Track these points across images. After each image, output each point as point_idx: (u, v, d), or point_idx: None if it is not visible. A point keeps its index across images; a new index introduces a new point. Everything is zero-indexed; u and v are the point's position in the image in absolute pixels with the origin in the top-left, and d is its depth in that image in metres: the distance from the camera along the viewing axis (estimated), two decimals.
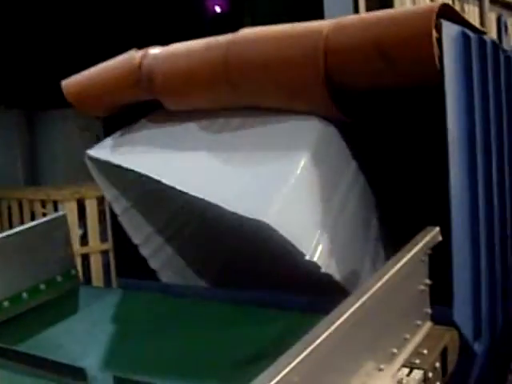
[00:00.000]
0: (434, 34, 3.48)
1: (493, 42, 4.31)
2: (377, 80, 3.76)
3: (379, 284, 2.66)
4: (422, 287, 3.24)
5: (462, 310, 3.67)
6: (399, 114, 4.29)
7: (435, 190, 3.69)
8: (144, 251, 4.74)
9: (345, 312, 2.39)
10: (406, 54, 3.54)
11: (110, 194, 4.63)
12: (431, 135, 3.79)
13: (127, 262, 4.92)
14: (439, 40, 3.51)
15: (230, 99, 4.19)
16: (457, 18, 3.80)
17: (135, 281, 4.77)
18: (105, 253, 9.34)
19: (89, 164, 4.48)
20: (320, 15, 6.75)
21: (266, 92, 4.05)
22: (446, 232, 3.47)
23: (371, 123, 4.28)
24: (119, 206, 4.67)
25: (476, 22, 9.07)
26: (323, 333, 2.22)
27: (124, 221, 4.68)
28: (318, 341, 2.17)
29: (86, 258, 9.34)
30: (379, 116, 4.31)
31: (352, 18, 3.91)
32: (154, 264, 4.77)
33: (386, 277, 2.72)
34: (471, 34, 3.91)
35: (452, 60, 3.63)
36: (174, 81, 4.32)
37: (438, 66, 3.51)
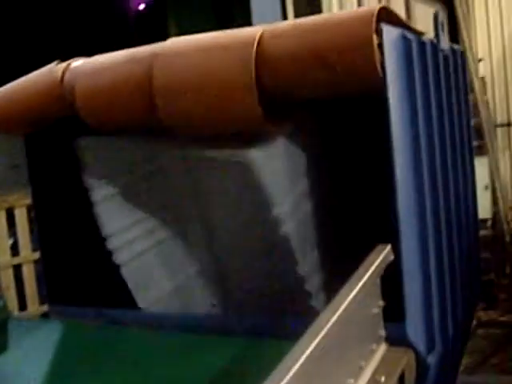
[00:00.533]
0: (375, 39, 3.30)
1: (431, 43, 4.18)
2: (315, 90, 3.54)
3: (334, 317, 2.49)
4: (376, 310, 3.07)
5: (414, 326, 3.54)
6: (340, 124, 4.09)
7: (382, 203, 3.52)
8: (112, 243, 4.39)
9: (302, 350, 2.22)
10: (347, 62, 3.34)
11: (93, 180, 4.35)
12: (376, 144, 3.63)
13: (60, 286, 4.63)
14: (380, 45, 3.33)
15: (154, 119, 3.83)
16: (396, 21, 3.63)
17: (69, 308, 4.49)
18: (37, 262, 9.02)
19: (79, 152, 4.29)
20: (247, 16, 6.49)
21: (195, 109, 3.73)
22: (396, 248, 3.31)
23: (311, 136, 4.06)
24: (100, 192, 4.35)
25: (402, 13, 9.04)
26: (279, 374, 2.04)
27: (101, 209, 4.33)
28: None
29: (17, 268, 9.02)
30: (319, 128, 4.10)
31: (286, 23, 3.69)
32: (119, 258, 4.42)
33: (341, 308, 2.56)
34: (411, 36, 3.75)
35: (394, 65, 3.46)
36: (95, 98, 4.01)
37: (380, 72, 3.33)
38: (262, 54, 3.49)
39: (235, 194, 3.97)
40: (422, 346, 3.58)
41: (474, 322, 7.38)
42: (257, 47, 3.50)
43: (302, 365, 2.12)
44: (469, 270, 4.80)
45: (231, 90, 3.56)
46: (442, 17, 8.58)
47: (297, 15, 5.98)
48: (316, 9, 5.84)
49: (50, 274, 4.77)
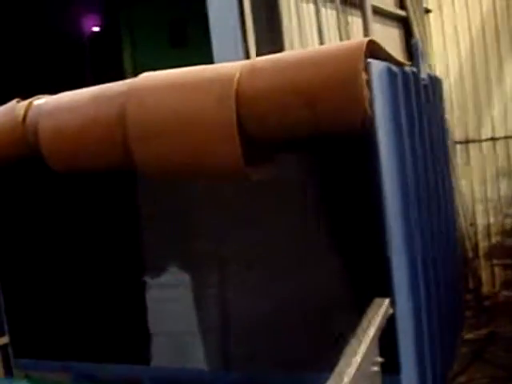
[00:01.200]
0: (364, 75, 3.11)
1: (413, 73, 4.01)
2: (297, 130, 3.30)
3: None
4: (375, 368, 2.85)
5: (409, 379, 3.35)
6: (323, 164, 3.84)
7: (372, 255, 3.32)
8: None
9: None
10: (332, 100, 3.13)
11: None
12: (362, 183, 3.44)
13: (25, 339, 4.33)
14: (368, 82, 3.13)
15: (127, 163, 3.56)
16: (381, 53, 3.44)
17: (35, 361, 4.20)
18: None
19: None
20: (202, 40, 6.28)
21: (171, 154, 3.46)
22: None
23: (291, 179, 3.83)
24: None
25: (360, 34, 8.92)
26: None
27: None
28: None
29: None
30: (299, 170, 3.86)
31: (267, 58, 3.43)
32: None
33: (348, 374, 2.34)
34: (395, 68, 3.58)
35: (382, 101, 3.26)
36: (60, 140, 3.71)
37: (368, 110, 3.12)
38: (243, 93, 3.26)
39: None
40: None
41: None
42: (237, 86, 3.27)
43: None
44: (455, 311, 4.64)
45: (209, 132, 3.31)
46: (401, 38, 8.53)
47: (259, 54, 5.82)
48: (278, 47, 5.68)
49: (14, 326, 4.46)
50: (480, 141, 11.81)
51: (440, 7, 11.58)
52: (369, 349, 2.58)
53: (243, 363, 3.78)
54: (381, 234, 3.19)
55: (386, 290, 3.07)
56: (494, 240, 10.63)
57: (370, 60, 3.14)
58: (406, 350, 3.26)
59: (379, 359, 2.89)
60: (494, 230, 10.77)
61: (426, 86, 4.38)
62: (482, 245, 10.94)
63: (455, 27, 11.85)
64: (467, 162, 12.06)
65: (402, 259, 3.30)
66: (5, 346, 7.85)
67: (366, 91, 3.09)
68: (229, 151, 3.27)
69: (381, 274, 3.14)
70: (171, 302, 4.06)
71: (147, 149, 3.45)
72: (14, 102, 3.98)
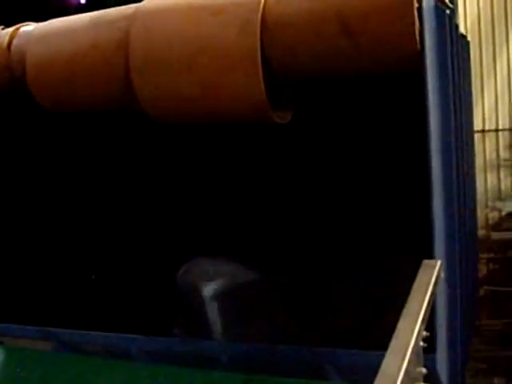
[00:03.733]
0: (415, 3, 2.63)
1: (454, 21, 3.56)
2: (333, 63, 2.81)
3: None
4: (422, 343, 2.40)
5: (442, 358, 2.92)
6: (348, 107, 3.37)
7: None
8: None
9: None
10: (378, 29, 2.65)
11: None
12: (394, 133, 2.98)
13: (2, 302, 3.84)
14: (419, 11, 2.66)
15: (128, 99, 3.05)
16: None
17: (9, 326, 3.71)
18: None
19: None
20: None
21: (182, 87, 2.93)
22: None
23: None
24: None
25: None
26: None
27: None
28: None
29: None
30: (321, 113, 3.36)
31: None
32: None
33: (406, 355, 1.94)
34: (443, 8, 3.12)
35: (431, 38, 2.80)
36: (51, 69, 3.17)
37: (418, 43, 2.65)
38: (269, 17, 2.78)
39: None
40: (446, 380, 2.99)
41: None
42: (263, 9, 2.78)
43: None
44: (474, 285, 4.23)
45: (227, 62, 2.81)
46: None
47: None
48: None
49: None
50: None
51: None
52: (424, 321, 2.14)
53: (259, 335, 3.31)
54: (422, 192, 2.74)
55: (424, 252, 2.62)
56: (479, 234, 10.31)
57: None
58: (441, 325, 2.83)
59: (425, 333, 2.45)
60: (479, 223, 10.45)
61: (461, 41, 3.92)
62: None
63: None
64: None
65: (441, 219, 2.86)
66: None
67: (416, 21, 2.62)
68: (249, 86, 2.78)
69: (420, 237, 2.70)
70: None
71: (150, 81, 2.95)
72: None
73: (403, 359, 1.84)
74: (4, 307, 3.79)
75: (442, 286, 2.89)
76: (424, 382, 2.68)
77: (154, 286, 3.59)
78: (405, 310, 2.08)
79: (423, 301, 2.13)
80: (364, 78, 3.00)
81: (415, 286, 2.23)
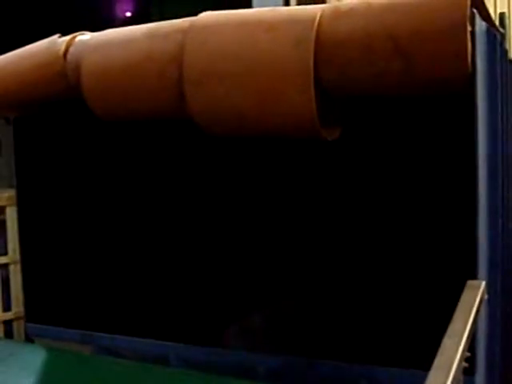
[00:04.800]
0: (468, 26, 2.66)
1: (503, 44, 3.57)
2: (385, 83, 2.84)
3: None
4: (464, 364, 2.40)
5: (482, 381, 2.90)
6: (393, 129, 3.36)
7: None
8: None
9: None
10: (431, 50, 2.68)
11: None
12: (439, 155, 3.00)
13: (40, 303, 3.91)
14: (472, 35, 2.69)
15: (181, 111, 3.10)
16: (483, 12, 3.00)
17: (49, 328, 3.77)
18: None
19: None
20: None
21: (232, 101, 2.99)
22: None
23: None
24: None
25: None
26: None
27: None
28: None
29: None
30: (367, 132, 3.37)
31: (353, 2, 2.97)
32: None
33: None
34: (495, 33, 3.14)
35: (482, 62, 2.82)
36: (106, 78, 3.26)
37: (470, 67, 2.68)
38: (324, 36, 2.82)
39: None
40: None
41: None
42: (317, 27, 2.83)
43: None
44: None
45: (280, 79, 2.86)
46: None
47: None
48: None
49: (31, 286, 4.03)
50: None
51: None
52: (468, 341, 2.15)
53: (289, 348, 3.32)
54: (467, 213, 2.76)
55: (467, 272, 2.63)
56: None
57: (474, 10, 2.71)
58: (481, 346, 2.81)
59: (468, 354, 2.45)
60: None
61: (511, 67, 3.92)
62: None
63: None
64: None
65: (485, 238, 2.86)
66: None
67: (469, 44, 2.65)
68: (301, 102, 2.82)
69: (463, 253, 2.71)
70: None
71: (204, 93, 3.00)
72: (55, 36, 3.56)
73: (447, 377, 1.84)
74: (46, 308, 3.86)
75: (484, 307, 2.89)
76: None
77: (201, 293, 3.62)
78: (449, 329, 2.09)
79: (467, 321, 2.14)
80: (417, 100, 3.02)
81: (460, 305, 2.24)
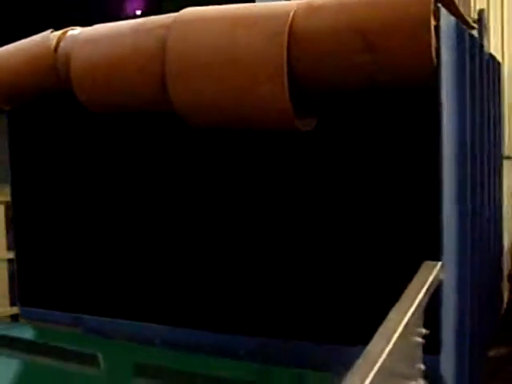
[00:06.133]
0: (432, 21, 2.80)
1: (479, 42, 3.70)
2: (354, 77, 2.99)
3: (386, 349, 1.98)
4: (419, 339, 2.53)
5: (448, 360, 3.02)
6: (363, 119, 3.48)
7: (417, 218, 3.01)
8: None
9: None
10: (396, 45, 2.82)
11: None
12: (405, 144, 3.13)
13: (35, 286, 4.07)
14: (436, 29, 2.83)
15: (163, 102, 3.26)
16: (451, 7, 3.13)
17: (42, 311, 3.93)
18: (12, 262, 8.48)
19: None
20: None
21: (212, 92, 3.15)
22: None
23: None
24: None
25: None
26: None
27: None
28: None
29: None
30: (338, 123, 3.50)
31: None
32: None
33: (392, 340, 2.04)
34: (464, 27, 3.27)
35: (448, 55, 2.96)
36: (93, 71, 3.42)
37: (434, 60, 2.82)
38: (296, 30, 2.97)
39: None
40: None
41: None
42: (290, 23, 2.98)
43: None
44: (492, 305, 4.31)
45: (255, 71, 3.01)
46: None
47: None
48: None
49: (24, 271, 4.20)
50: None
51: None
52: (414, 316, 2.28)
53: (265, 328, 3.46)
54: (433, 195, 2.89)
55: (431, 254, 2.76)
56: None
57: (439, 5, 2.85)
58: (448, 326, 2.94)
59: (423, 330, 2.58)
60: None
61: (488, 62, 4.06)
62: None
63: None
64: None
65: (452, 221, 2.99)
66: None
67: (433, 39, 2.79)
68: (275, 93, 2.97)
69: (427, 236, 2.84)
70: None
71: (185, 86, 3.16)
72: (48, 31, 3.72)
73: (387, 343, 1.96)
74: (38, 292, 4.02)
75: (450, 290, 3.02)
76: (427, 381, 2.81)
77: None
78: (396, 305, 2.22)
79: (415, 297, 2.27)
80: (392, 92, 3.15)
81: (412, 284, 2.37)
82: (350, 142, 3.28)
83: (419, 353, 2.61)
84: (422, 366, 2.66)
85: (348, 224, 3.28)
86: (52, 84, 3.65)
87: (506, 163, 10.68)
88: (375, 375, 1.84)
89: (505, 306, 8.16)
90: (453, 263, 3.05)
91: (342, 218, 3.29)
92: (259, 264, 3.50)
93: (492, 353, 9.01)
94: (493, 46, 6.58)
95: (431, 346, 2.83)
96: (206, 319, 3.66)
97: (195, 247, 3.72)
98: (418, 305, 2.27)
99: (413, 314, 2.19)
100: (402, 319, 2.10)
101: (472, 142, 3.35)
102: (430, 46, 2.77)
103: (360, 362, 1.86)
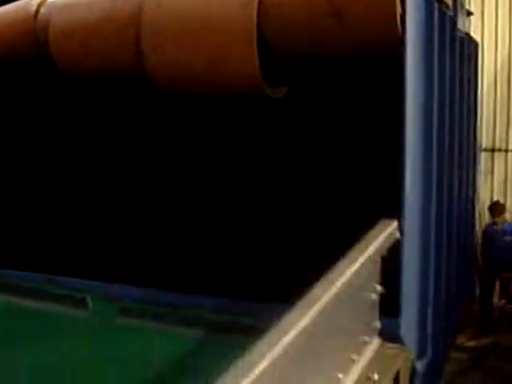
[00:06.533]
0: None
1: (451, 18, 3.77)
2: (322, 42, 3.07)
3: (327, 294, 1.97)
4: (373, 296, 2.60)
5: (408, 324, 3.08)
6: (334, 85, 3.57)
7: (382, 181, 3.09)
8: None
9: (285, 329, 1.69)
10: (362, 11, 2.90)
11: None
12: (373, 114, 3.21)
13: (5, 248, 4.14)
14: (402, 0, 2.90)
15: (138, 67, 3.33)
16: None
17: (15, 272, 4.01)
18: None
19: None
20: None
21: (185, 58, 3.25)
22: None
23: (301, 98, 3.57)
24: None
25: None
26: (252, 356, 1.51)
27: None
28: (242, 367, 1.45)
29: None
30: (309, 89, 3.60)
31: None
32: None
33: (336, 285, 2.04)
34: (433, 2, 3.34)
35: (414, 25, 3.02)
36: (70, 37, 3.49)
37: (399, 28, 2.89)
38: None
39: None
40: (413, 348, 3.13)
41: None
42: None
43: (283, 347, 1.61)
44: (464, 273, 4.38)
45: (228, 37, 3.09)
46: None
47: None
48: None
49: None
50: (507, 151, 11.55)
51: (482, 8, 11.26)
52: (366, 265, 2.33)
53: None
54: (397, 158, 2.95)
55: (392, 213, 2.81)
56: None
57: None
58: (409, 290, 3.00)
59: (379, 288, 2.64)
60: None
61: (462, 40, 4.13)
62: None
63: (495, 30, 11.56)
64: (491, 171, 11.78)
65: (415, 180, 3.06)
66: None
67: (398, 6, 2.86)
68: (245, 57, 3.06)
69: (388, 195, 2.91)
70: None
71: (160, 52, 3.24)
72: None
73: (332, 287, 2.00)
74: (6, 253, 4.08)
75: (412, 255, 3.07)
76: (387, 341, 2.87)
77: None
78: (346, 254, 2.26)
79: (365, 250, 2.32)
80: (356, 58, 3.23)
81: (363, 239, 2.41)
82: (320, 104, 3.38)
83: (375, 310, 2.68)
84: (378, 324, 2.74)
85: (311, 182, 3.39)
86: (31, 49, 3.71)
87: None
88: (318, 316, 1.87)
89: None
90: (416, 225, 3.10)
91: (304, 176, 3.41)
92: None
93: (474, 343, 9.19)
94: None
95: (391, 309, 2.91)
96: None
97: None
98: (369, 258, 2.31)
99: (362, 265, 2.23)
100: (349, 268, 2.14)
101: (441, 109, 3.42)
102: (394, 12, 2.84)
103: (300, 303, 1.88)
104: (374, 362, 2.54)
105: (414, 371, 3.10)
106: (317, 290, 1.97)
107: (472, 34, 11.07)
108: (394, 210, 2.88)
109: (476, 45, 4.86)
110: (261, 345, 1.56)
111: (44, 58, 3.64)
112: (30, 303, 3.74)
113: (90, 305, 3.78)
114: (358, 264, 2.20)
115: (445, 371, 7.47)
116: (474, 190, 5.08)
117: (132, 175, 3.94)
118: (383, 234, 2.49)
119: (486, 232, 10.08)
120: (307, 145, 3.46)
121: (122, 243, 3.93)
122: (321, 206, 3.39)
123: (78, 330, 3.32)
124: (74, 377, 2.66)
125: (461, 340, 9.28)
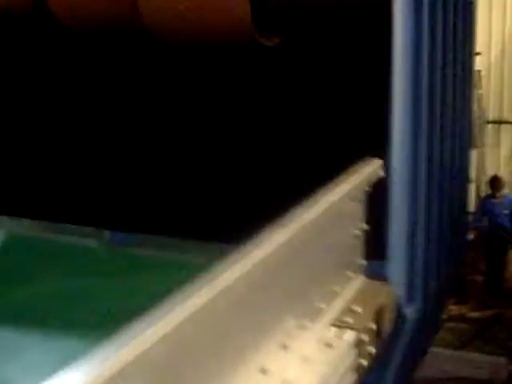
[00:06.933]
0: None
1: None
2: None
3: (306, 217, 1.96)
4: (357, 232, 2.65)
5: (396, 267, 3.10)
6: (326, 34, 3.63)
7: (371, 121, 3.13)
8: None
9: (258, 247, 1.66)
10: None
11: None
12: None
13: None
14: None
15: (133, 18, 3.42)
16: None
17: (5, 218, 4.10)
18: None
19: None
20: None
21: (179, 5, 3.31)
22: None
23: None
24: None
25: None
26: (225, 273, 1.48)
27: None
28: (217, 286, 1.42)
29: None
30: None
31: None
32: None
33: (316, 209, 2.04)
34: None
35: None
36: None
37: None
38: None
39: None
40: (401, 291, 3.17)
41: (444, 316, 7.13)
42: None
43: (258, 269, 1.60)
44: (455, 224, 4.41)
45: None
46: None
47: None
48: None
49: None
50: None
51: None
52: (349, 198, 2.38)
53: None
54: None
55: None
56: None
57: None
58: (396, 233, 3.03)
59: (364, 225, 2.68)
60: None
61: None
62: None
63: (504, 1, 11.52)
64: (497, 143, 11.77)
65: (403, 120, 3.04)
66: None
67: None
68: (237, 4, 3.13)
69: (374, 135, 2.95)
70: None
71: (153, 2, 3.31)
72: None
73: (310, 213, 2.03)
74: None
75: (400, 197, 3.09)
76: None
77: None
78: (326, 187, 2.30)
79: (345, 185, 2.35)
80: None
81: (344, 174, 2.45)
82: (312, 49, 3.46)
83: (358, 247, 2.72)
84: (363, 261, 2.78)
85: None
86: (30, 3, 3.77)
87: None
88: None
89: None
90: (404, 166, 3.11)
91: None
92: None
93: (478, 314, 9.27)
94: None
95: (379, 251, 2.95)
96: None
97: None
98: (349, 193, 2.34)
99: (341, 198, 2.26)
100: (325, 197, 2.16)
101: (431, 58, 3.44)
102: None
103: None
104: (358, 297, 2.58)
105: (403, 317, 3.15)
106: (293, 213, 1.96)
107: (480, 4, 11.15)
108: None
109: (471, 2, 4.87)
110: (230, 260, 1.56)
111: (40, 10, 3.71)
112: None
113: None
114: (338, 194, 2.23)
115: (445, 339, 7.61)
116: (469, 139, 5.08)
117: (125, 125, 4.03)
118: (365, 170, 2.53)
119: (484, 204, 10.17)
120: (298, 89, 3.55)
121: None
122: (309, 148, 3.47)
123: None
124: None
125: (464, 310, 9.41)
